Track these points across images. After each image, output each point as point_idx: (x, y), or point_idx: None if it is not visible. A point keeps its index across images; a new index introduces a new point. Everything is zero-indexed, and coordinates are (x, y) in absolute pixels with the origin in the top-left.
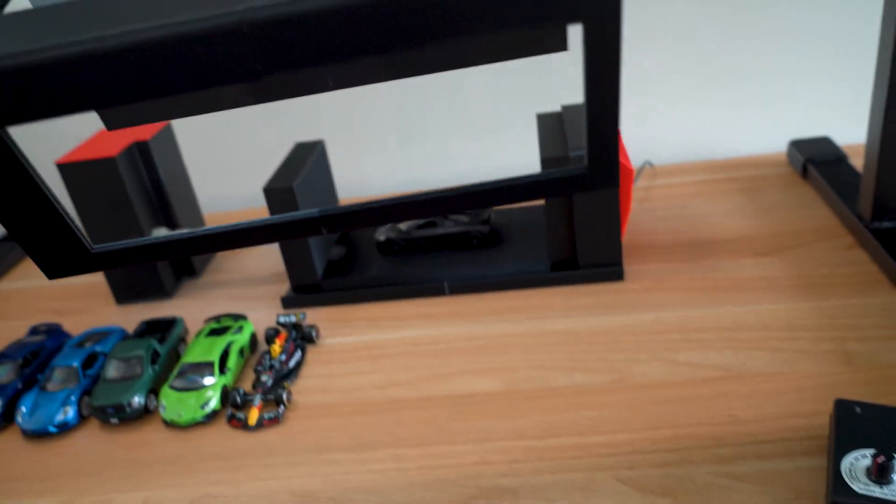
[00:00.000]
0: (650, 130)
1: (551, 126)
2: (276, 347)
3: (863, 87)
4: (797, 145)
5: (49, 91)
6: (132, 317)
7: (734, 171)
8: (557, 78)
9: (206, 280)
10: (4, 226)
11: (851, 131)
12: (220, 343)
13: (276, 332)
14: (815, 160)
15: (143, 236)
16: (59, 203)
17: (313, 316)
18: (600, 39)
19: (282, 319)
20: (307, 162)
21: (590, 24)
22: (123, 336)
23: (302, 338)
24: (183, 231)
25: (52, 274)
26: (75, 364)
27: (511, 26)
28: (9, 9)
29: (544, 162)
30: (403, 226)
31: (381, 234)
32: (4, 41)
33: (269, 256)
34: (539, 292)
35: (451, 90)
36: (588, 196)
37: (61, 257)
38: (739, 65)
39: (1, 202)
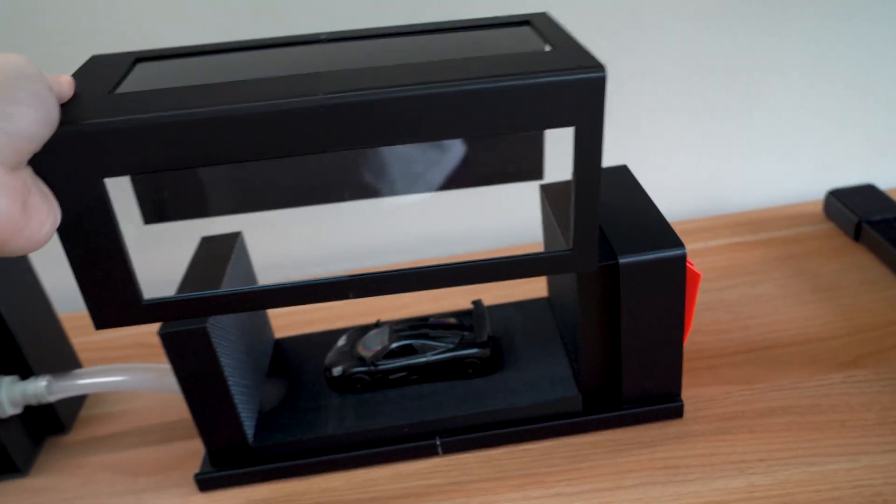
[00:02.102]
0: (651, 177)
1: (564, 203)
2: None
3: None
4: (839, 197)
5: (149, 149)
6: None
7: (763, 230)
8: None
9: (80, 438)
10: (74, 267)
11: (886, 171)
12: None
13: None
14: (872, 220)
15: None
16: (128, 255)
17: (249, 498)
18: (586, 141)
19: None
20: (224, 271)
21: (578, 128)
22: None
23: None
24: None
25: (101, 323)
26: None
27: (525, 128)
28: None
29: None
30: (366, 352)
31: (336, 365)
32: (111, 109)
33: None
34: (569, 444)
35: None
36: (643, 306)
37: (114, 306)
38: (750, 99)
39: (79, 245)
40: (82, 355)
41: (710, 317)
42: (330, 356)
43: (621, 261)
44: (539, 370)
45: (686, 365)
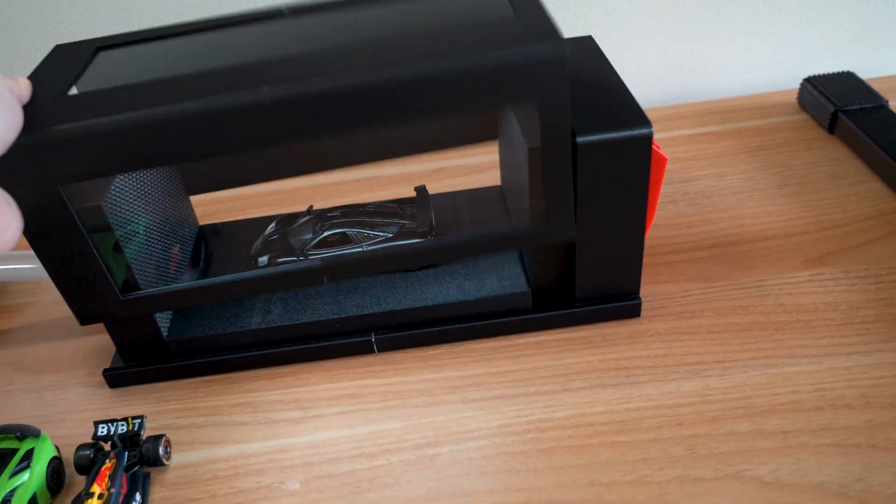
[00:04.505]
0: (612, 57)
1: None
2: (98, 492)
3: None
4: (816, 84)
5: (104, 154)
6: None
7: (733, 120)
8: None
9: None
10: (49, 270)
11: (867, 59)
12: None
13: (95, 457)
14: (849, 109)
15: None
16: (98, 252)
17: (159, 404)
18: (551, 117)
19: (103, 431)
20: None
21: (541, 104)
22: None
23: (141, 461)
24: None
25: (84, 319)
26: None
27: (482, 108)
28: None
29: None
30: (296, 240)
31: (263, 255)
32: (65, 114)
33: None
34: (515, 344)
35: None
36: (603, 193)
37: (93, 303)
38: None
39: (49, 248)
40: None
41: (671, 210)
42: (256, 245)
43: (579, 140)
44: (486, 264)
45: (643, 260)
